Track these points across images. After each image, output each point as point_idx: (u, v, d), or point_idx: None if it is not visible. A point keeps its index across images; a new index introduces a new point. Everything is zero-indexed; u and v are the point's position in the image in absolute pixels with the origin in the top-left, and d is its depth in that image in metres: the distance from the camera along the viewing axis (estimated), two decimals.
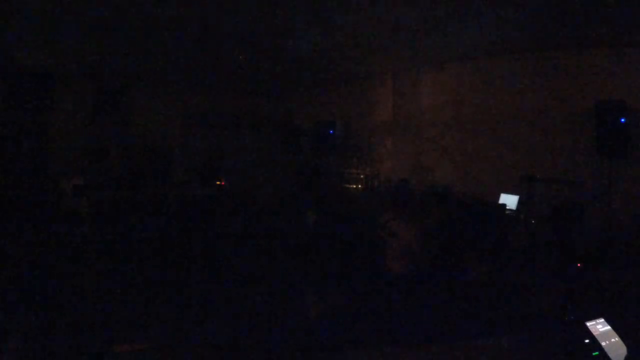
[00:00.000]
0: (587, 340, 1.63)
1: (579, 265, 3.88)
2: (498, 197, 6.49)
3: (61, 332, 2.92)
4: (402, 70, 8.48)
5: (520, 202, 6.18)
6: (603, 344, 1.63)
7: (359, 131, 9.48)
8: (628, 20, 5.07)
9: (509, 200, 6.29)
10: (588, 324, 1.68)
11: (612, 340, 1.65)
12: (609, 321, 1.70)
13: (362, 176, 8.84)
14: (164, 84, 9.81)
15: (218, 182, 8.90)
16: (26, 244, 4.90)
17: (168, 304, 3.74)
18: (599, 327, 1.68)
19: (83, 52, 7.15)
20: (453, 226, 5.50)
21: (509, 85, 6.96)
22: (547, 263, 4.23)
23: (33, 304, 3.46)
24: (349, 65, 8.22)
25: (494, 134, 7.14)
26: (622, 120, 5.39)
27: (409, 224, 4.04)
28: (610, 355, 1.60)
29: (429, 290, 3.50)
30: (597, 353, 1.60)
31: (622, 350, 1.63)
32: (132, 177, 8.00)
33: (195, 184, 8.54)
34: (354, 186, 8.90)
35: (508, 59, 6.96)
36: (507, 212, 6.13)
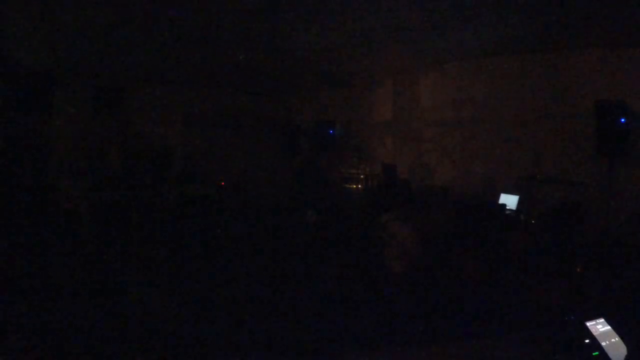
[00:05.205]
0: (587, 340, 1.63)
1: (578, 265, 3.88)
2: (498, 197, 6.49)
3: (60, 333, 2.91)
4: (402, 70, 8.47)
5: (520, 202, 6.18)
6: (603, 344, 1.62)
7: (359, 131, 9.48)
8: (628, 20, 5.07)
9: (509, 200, 6.29)
10: (588, 324, 1.67)
11: (612, 340, 1.65)
12: (609, 321, 1.69)
13: (362, 176, 8.84)
14: (164, 84, 9.80)
15: (218, 182, 8.89)
16: (26, 244, 4.90)
17: (168, 304, 3.74)
18: (599, 327, 1.68)
19: (83, 52, 7.14)
20: (453, 226, 5.51)
21: (509, 85, 6.95)
22: (547, 263, 4.23)
23: (32, 305, 3.46)
24: (349, 65, 8.21)
25: (494, 134, 7.13)
26: (622, 120, 5.39)
27: (408, 224, 4.04)
28: (610, 355, 1.60)
29: (429, 291, 3.50)
30: (597, 353, 1.60)
31: (622, 350, 1.63)
32: (131, 177, 8.00)
33: (195, 184, 8.54)
34: (354, 186, 8.89)
35: (508, 59, 6.95)
36: (507, 212, 6.13)
